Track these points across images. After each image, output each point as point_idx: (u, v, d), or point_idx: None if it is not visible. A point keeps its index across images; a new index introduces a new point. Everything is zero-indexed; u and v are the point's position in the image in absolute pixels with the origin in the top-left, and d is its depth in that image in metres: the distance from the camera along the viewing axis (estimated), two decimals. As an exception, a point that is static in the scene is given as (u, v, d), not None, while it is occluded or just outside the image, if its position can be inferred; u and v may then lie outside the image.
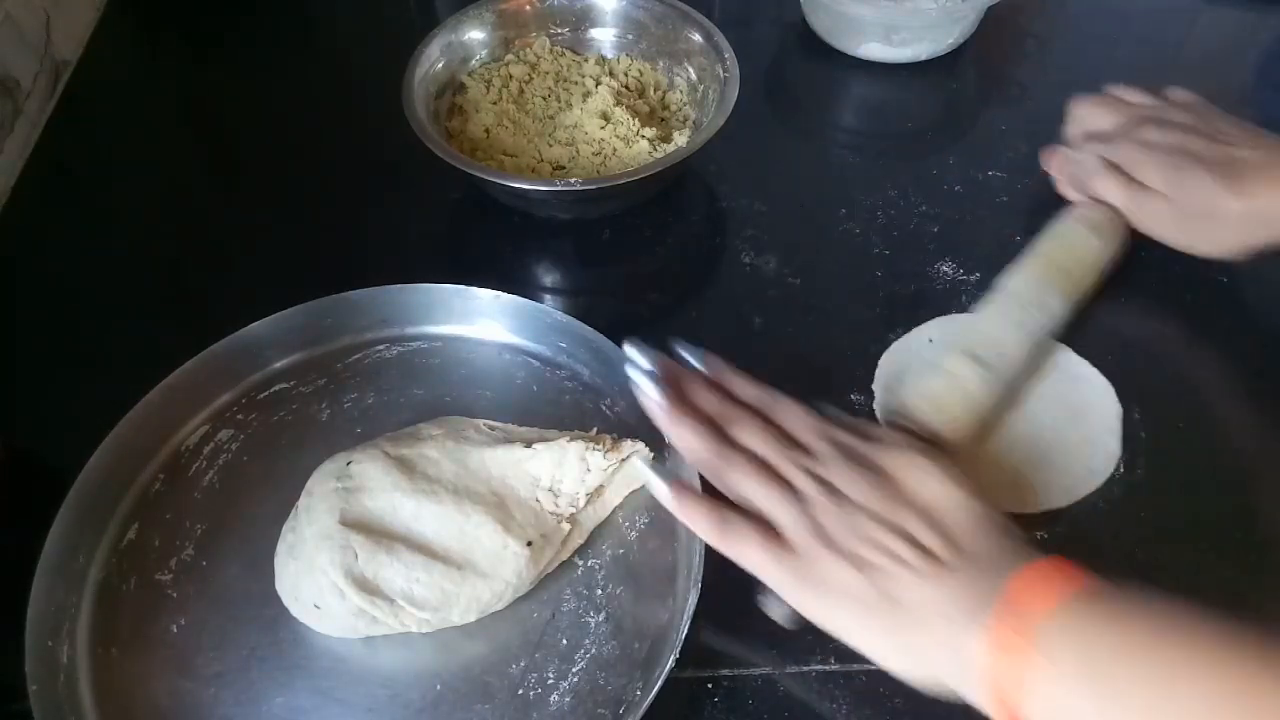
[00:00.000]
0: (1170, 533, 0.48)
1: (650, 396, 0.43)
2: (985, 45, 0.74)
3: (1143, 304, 0.57)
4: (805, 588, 0.39)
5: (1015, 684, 0.34)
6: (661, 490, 0.42)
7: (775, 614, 0.41)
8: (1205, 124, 0.55)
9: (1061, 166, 0.59)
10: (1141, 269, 0.58)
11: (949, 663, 0.36)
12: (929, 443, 0.45)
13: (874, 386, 0.53)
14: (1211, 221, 0.52)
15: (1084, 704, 0.33)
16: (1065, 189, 0.59)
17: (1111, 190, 0.55)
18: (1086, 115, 0.60)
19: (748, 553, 0.40)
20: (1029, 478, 0.49)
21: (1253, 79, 0.72)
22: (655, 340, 0.55)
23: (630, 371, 0.44)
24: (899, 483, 0.40)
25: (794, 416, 0.43)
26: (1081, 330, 0.55)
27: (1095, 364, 0.53)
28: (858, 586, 0.37)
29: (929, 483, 0.40)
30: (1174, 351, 0.56)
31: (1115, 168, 0.55)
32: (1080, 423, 0.51)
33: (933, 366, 0.50)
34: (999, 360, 0.50)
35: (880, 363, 0.54)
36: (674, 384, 0.44)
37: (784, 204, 0.63)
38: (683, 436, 0.43)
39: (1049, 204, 0.62)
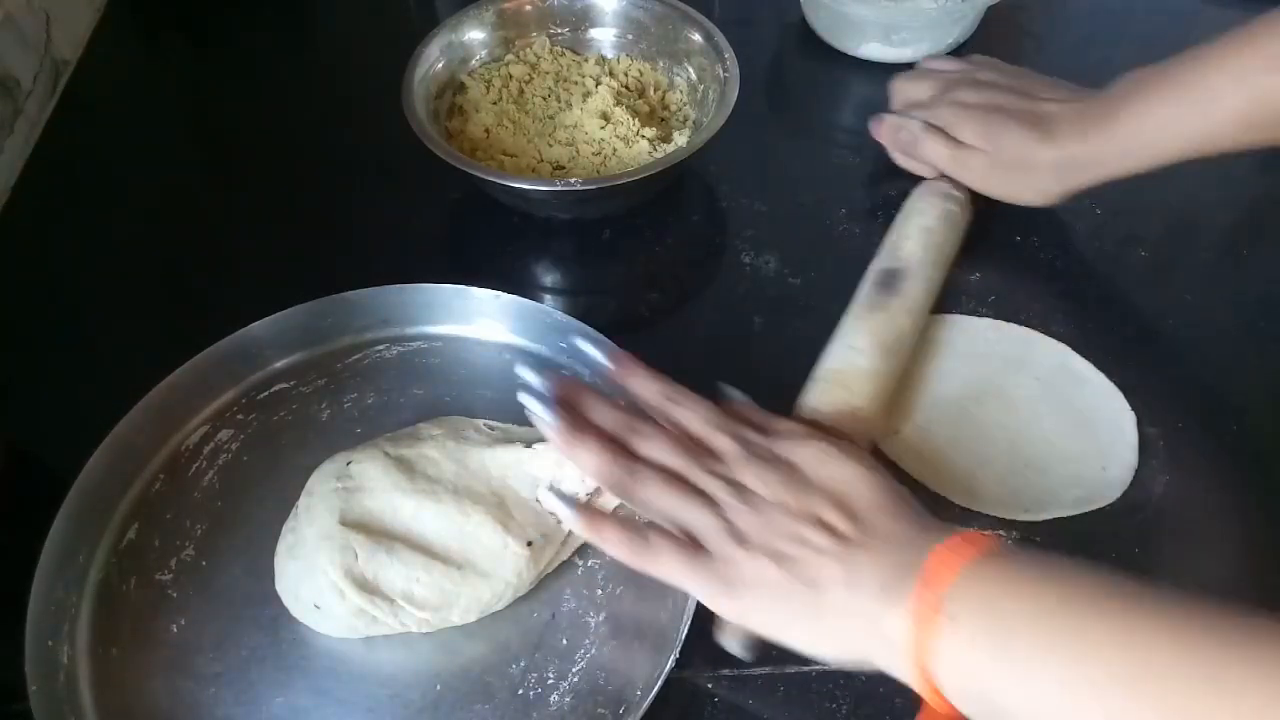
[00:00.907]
0: (1191, 548, 0.47)
1: (544, 420, 0.42)
2: (985, 45, 0.74)
3: (1129, 302, 0.58)
4: (727, 591, 0.38)
5: (928, 653, 0.34)
6: (569, 516, 0.42)
7: (732, 647, 0.41)
8: (1013, 81, 0.59)
9: (889, 135, 0.61)
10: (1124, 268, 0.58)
11: (873, 642, 0.36)
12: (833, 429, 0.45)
13: None
14: (1028, 171, 0.56)
15: (988, 665, 0.33)
16: (896, 156, 0.62)
17: (935, 150, 0.58)
18: (905, 88, 0.63)
19: (666, 566, 0.40)
20: (1027, 483, 0.49)
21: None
22: (654, 342, 0.55)
23: (521, 396, 0.42)
24: (803, 470, 0.40)
25: (696, 417, 0.43)
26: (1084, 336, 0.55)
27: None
28: (776, 579, 0.37)
29: (830, 464, 0.40)
30: (1175, 351, 0.56)
31: (937, 130, 0.58)
32: (1090, 430, 0.51)
33: (822, 376, 0.49)
34: (870, 340, 0.50)
35: None
36: (569, 401, 0.43)
37: (784, 204, 0.63)
38: (583, 459, 0.41)
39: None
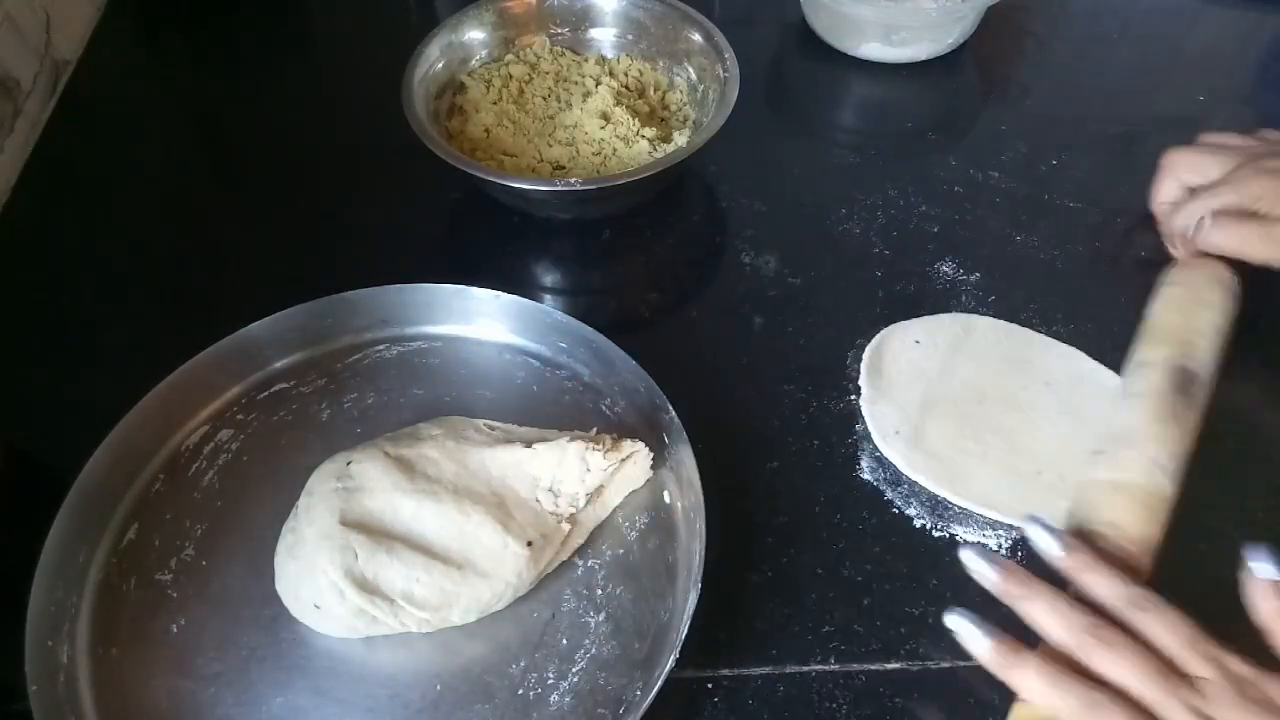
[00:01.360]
0: (1197, 551, 0.47)
1: (976, 642, 0.38)
2: (985, 45, 0.74)
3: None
4: None
5: None
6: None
7: None
8: None
9: (1177, 222, 0.54)
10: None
11: None
12: None
13: (860, 383, 0.53)
14: None
15: None
16: (1176, 247, 0.55)
17: (1240, 233, 0.51)
18: (1187, 164, 0.55)
19: None
20: (1033, 487, 0.48)
21: (1253, 79, 0.72)
22: (654, 342, 0.55)
23: (948, 618, 0.39)
24: None
25: (1170, 631, 0.36)
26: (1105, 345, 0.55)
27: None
28: None
29: None
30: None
31: (1241, 212, 0.51)
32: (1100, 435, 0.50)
33: (1114, 484, 0.45)
34: (1173, 462, 0.46)
35: (864, 357, 0.54)
36: (1013, 593, 0.39)
37: (784, 204, 0.63)
38: (1028, 687, 0.36)
39: (1049, 204, 0.63)
